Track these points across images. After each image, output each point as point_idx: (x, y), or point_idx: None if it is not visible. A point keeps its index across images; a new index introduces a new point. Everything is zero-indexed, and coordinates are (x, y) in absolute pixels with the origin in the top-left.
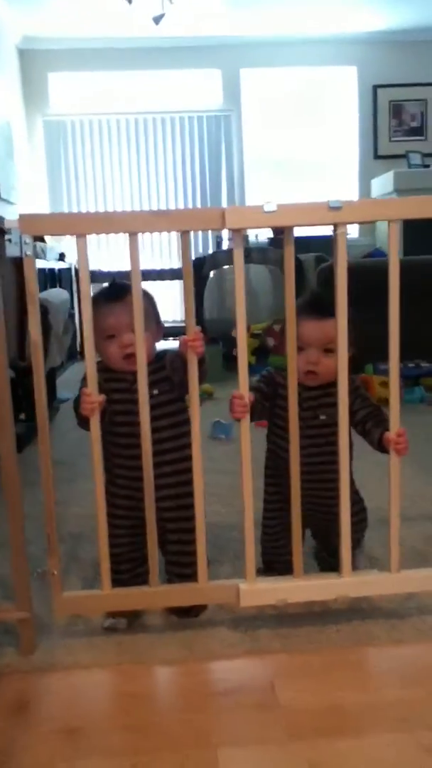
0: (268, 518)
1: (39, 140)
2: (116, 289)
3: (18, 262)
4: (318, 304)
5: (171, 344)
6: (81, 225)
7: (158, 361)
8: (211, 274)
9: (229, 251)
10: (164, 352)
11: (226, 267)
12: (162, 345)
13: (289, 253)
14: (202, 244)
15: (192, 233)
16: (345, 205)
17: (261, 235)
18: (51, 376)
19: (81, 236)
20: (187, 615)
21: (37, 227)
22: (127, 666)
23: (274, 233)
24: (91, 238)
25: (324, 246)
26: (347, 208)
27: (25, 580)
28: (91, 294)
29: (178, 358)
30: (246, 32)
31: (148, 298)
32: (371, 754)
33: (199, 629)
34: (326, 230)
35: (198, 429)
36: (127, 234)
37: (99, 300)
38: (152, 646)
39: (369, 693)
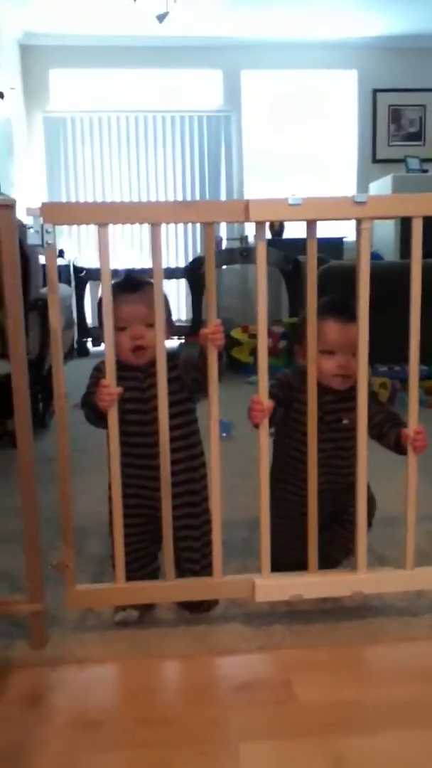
0: (275, 519)
1: (39, 137)
2: (132, 281)
3: (24, 256)
4: (344, 307)
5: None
6: (104, 214)
7: (170, 360)
8: None
9: (228, 251)
10: (178, 353)
11: (224, 267)
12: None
13: (312, 248)
14: (200, 245)
15: (190, 234)
16: (369, 199)
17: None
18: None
19: (103, 226)
20: (198, 610)
21: (60, 216)
22: (140, 659)
23: (272, 234)
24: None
25: (325, 248)
26: (372, 203)
27: (38, 573)
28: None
29: (191, 359)
30: (248, 34)
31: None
32: (391, 749)
33: (211, 624)
34: (326, 232)
35: (216, 425)
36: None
37: (114, 291)
38: (165, 639)
39: (385, 689)
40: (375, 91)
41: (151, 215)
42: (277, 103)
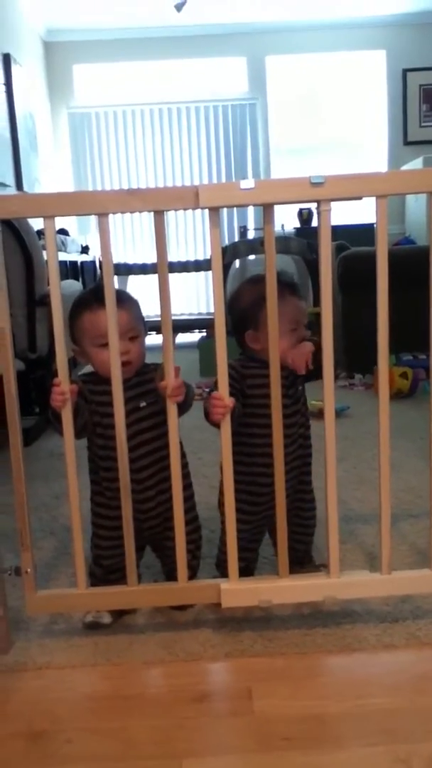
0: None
1: (64, 132)
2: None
3: (27, 254)
4: (293, 284)
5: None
6: (48, 206)
7: (147, 372)
8: (237, 264)
9: (252, 241)
10: (156, 364)
11: (252, 257)
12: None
13: (270, 234)
14: (228, 234)
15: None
16: (328, 180)
17: (288, 225)
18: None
19: (49, 218)
20: (174, 607)
21: (2, 209)
22: (101, 667)
23: (300, 222)
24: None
25: (348, 235)
26: (330, 184)
27: None
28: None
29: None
30: (271, 18)
31: (134, 303)
32: None
33: (181, 629)
34: (352, 218)
35: (178, 468)
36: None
37: (91, 305)
38: (131, 646)
39: (350, 702)
40: (405, 71)
41: (97, 205)
42: (304, 88)
